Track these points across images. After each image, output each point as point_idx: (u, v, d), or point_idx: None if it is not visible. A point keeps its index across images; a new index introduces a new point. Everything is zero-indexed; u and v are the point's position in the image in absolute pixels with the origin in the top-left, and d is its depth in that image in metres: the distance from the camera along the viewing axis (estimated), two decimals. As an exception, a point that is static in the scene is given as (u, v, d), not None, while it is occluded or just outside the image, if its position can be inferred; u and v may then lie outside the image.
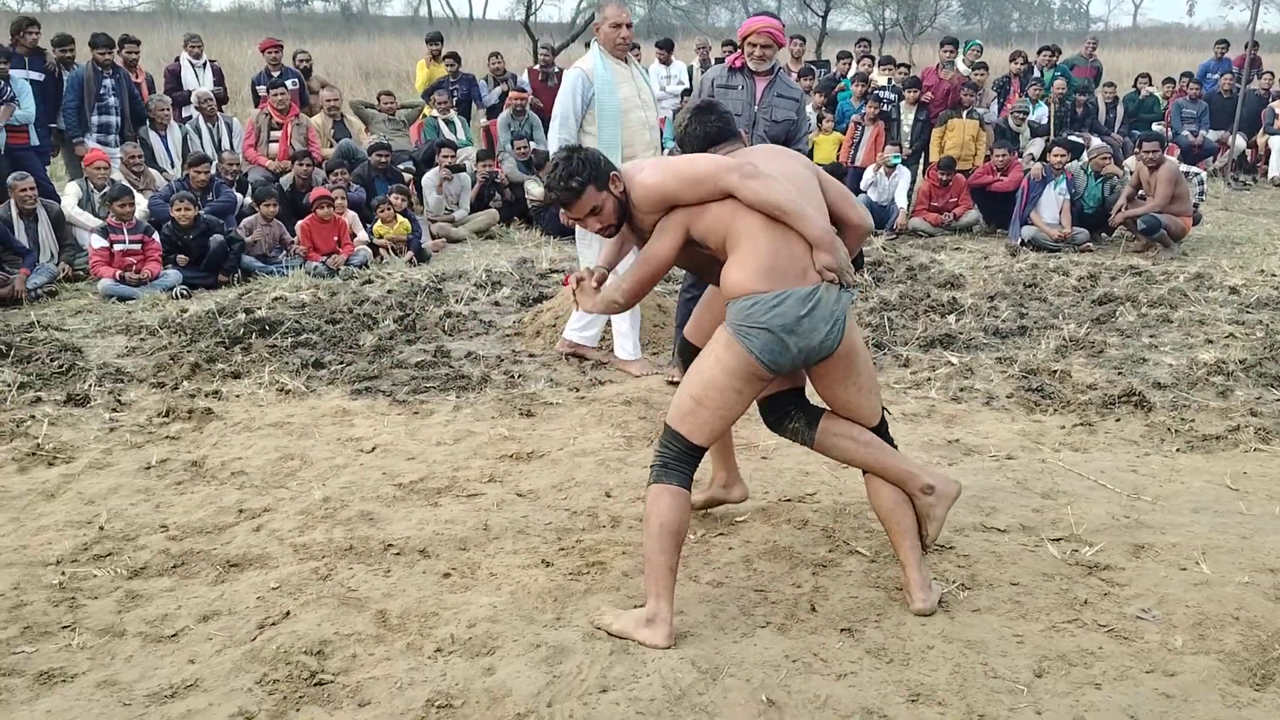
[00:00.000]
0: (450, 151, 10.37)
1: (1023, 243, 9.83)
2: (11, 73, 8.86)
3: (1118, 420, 5.18)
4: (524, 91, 11.88)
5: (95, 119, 9.35)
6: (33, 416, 5.09)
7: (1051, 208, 9.95)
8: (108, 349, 6.35)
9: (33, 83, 9.06)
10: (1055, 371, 5.87)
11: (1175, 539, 3.86)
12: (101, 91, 9.27)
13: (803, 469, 4.50)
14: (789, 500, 4.16)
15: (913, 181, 11.15)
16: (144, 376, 5.76)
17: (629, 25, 5.72)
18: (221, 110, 10.74)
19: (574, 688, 2.89)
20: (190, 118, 10.36)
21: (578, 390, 5.57)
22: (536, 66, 12.87)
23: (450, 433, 4.92)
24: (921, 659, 3.07)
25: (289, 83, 10.83)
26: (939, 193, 10.71)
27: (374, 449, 4.74)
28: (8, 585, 3.53)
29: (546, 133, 12.34)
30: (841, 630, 3.23)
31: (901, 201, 10.64)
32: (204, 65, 10.93)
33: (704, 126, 3.50)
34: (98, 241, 7.79)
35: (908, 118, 11.38)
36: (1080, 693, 2.92)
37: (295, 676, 2.97)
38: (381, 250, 8.88)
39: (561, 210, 3.37)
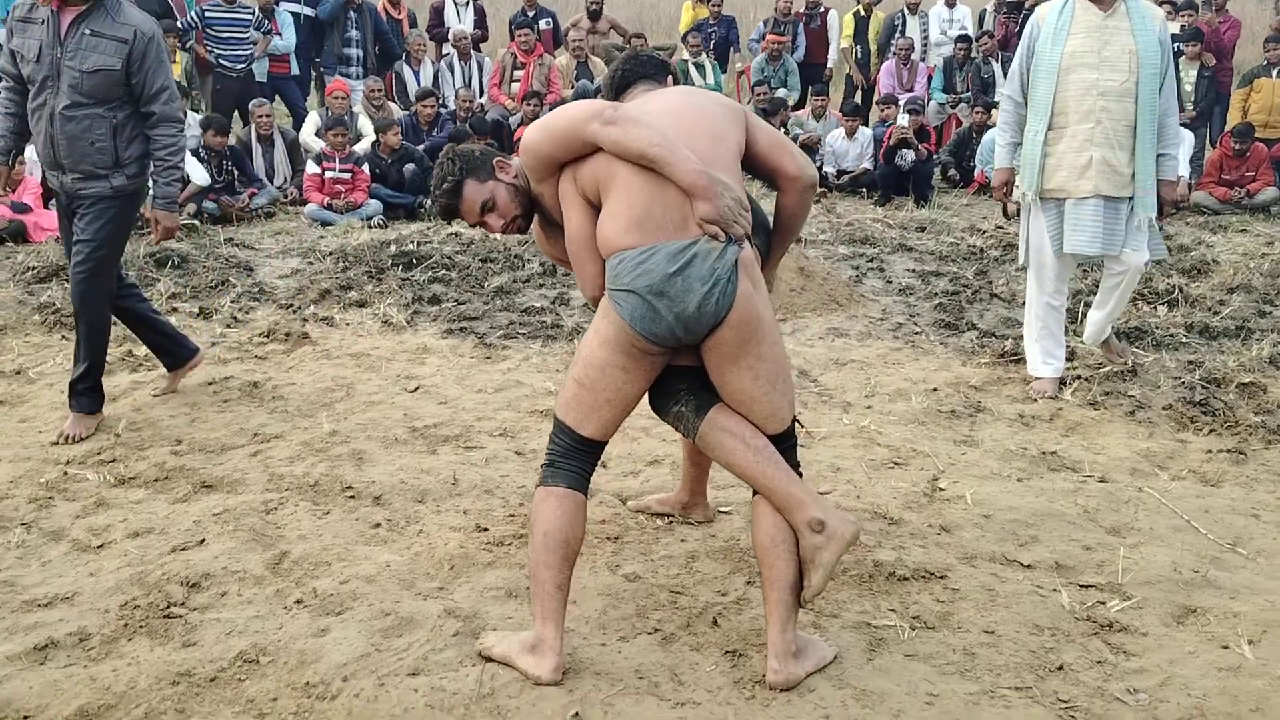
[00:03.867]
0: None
1: (1323, 228, 8.28)
2: (278, 5, 9.56)
3: (1283, 451, 4.21)
4: (783, 36, 11.42)
5: (339, 51, 9.91)
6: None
7: (1367, 189, 8.29)
8: (276, 270, 6.73)
9: (296, 15, 9.74)
10: (1244, 384, 4.86)
11: (1243, 607, 3.06)
12: (346, 23, 9.79)
13: (836, 464, 3.99)
14: (788, 496, 3.68)
15: (1200, 148, 9.66)
16: (280, 298, 6.05)
17: None
18: (478, 49, 11.07)
19: (385, 664, 2.68)
20: (447, 55, 10.78)
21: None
22: (803, 9, 12.28)
23: (500, 381, 4.78)
24: (788, 702, 2.60)
25: (541, 23, 10.98)
26: (1232, 164, 9.24)
27: (417, 389, 4.69)
28: (7, 478, 3.79)
29: (801, 80, 11.88)
30: (726, 652, 2.80)
31: (1183, 170, 9.24)
32: (466, 4, 11.29)
33: (620, 71, 3.05)
34: (311, 168, 8.29)
35: (1189, 75, 9.83)
36: (949, 781, 2.36)
37: (153, 605, 2.97)
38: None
39: (463, 220, 2.97)
